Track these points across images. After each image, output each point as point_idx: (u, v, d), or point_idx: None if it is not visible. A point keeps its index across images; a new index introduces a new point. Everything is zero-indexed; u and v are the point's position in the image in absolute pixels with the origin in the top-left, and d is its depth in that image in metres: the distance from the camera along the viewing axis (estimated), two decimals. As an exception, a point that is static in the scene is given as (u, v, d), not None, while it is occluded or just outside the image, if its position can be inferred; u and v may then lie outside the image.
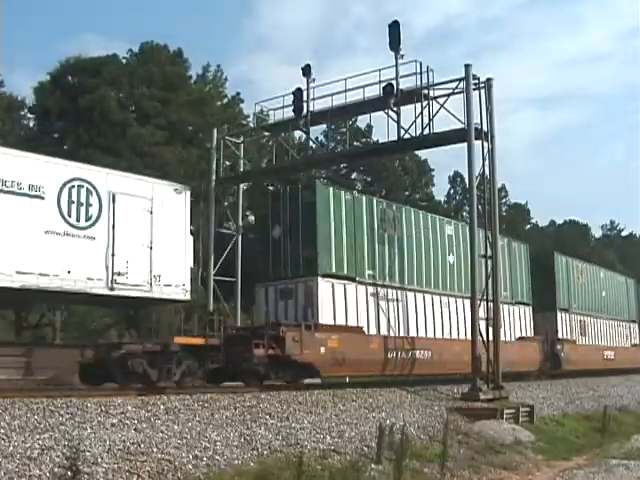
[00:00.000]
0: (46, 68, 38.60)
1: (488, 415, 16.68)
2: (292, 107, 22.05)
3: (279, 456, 10.83)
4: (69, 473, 8.36)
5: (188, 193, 17.06)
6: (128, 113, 36.28)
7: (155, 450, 9.84)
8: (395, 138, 20.39)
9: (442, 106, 19.77)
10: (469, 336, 18.80)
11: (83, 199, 15.03)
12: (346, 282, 19.28)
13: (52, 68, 37.32)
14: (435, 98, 19.88)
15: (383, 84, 20.20)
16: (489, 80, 19.62)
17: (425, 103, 19.79)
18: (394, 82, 20.14)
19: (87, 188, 15.15)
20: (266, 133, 26.48)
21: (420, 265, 21.83)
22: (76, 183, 15.02)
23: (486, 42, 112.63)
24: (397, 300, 20.74)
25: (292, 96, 21.98)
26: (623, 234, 79.59)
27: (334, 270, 19.05)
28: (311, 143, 25.65)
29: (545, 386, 23.34)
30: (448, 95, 19.80)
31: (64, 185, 14.80)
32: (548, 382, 24.47)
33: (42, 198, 14.44)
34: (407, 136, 20.13)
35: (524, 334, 26.32)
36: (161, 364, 14.84)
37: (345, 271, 19.33)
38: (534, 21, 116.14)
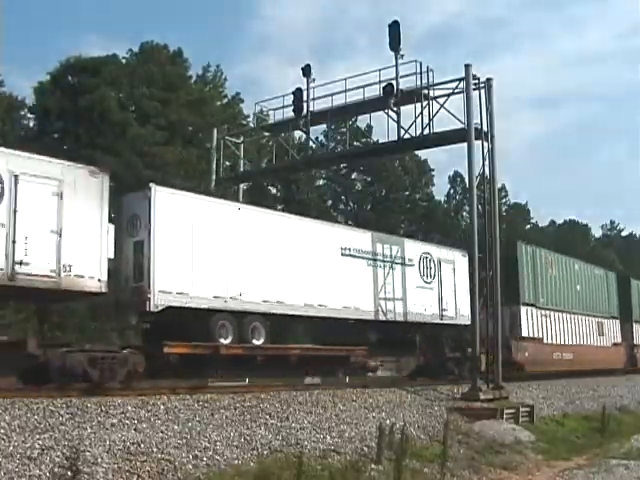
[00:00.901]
0: (46, 68, 38.62)
1: (488, 415, 16.69)
2: (292, 107, 22.08)
3: (279, 456, 10.84)
4: (69, 473, 8.36)
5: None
6: (128, 113, 36.23)
7: (155, 450, 9.84)
8: (395, 138, 20.43)
9: (442, 106, 19.80)
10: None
11: None
12: (529, 307, 26.56)
13: (52, 68, 37.34)
14: (435, 98, 19.91)
15: (383, 84, 20.25)
16: (489, 80, 19.64)
17: (425, 103, 19.82)
18: (394, 82, 20.18)
19: None
20: (266, 133, 26.51)
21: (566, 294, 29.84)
22: None
23: (486, 42, 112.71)
24: (557, 318, 28.58)
25: (292, 96, 22.00)
26: (623, 234, 79.61)
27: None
28: (311, 143, 25.71)
29: (545, 386, 23.34)
30: (448, 95, 19.83)
31: None
32: (548, 382, 24.48)
33: None
34: (407, 136, 20.17)
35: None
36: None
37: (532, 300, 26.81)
38: (534, 21, 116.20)
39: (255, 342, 17.02)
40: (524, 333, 25.88)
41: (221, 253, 16.54)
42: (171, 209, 15.73)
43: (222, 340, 16.29)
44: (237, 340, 16.65)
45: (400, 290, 21.21)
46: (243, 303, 16.76)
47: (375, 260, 20.62)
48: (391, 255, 21.22)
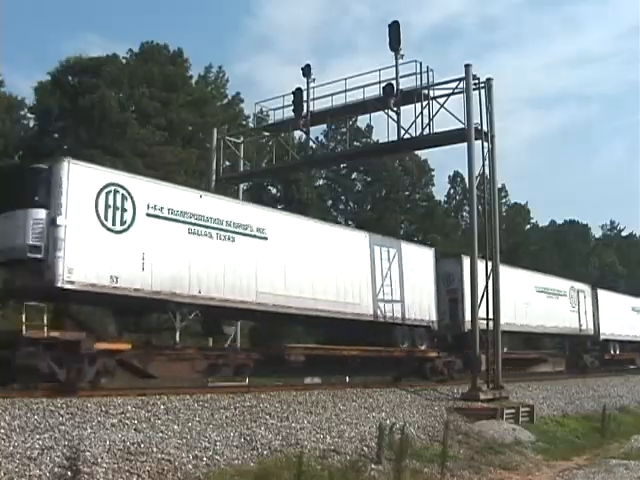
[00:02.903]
0: (46, 68, 38.63)
1: (488, 415, 16.69)
2: (292, 107, 22.07)
3: (279, 456, 10.84)
4: (69, 473, 8.36)
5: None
6: (128, 113, 36.22)
7: (155, 450, 9.84)
8: (395, 138, 20.42)
9: (442, 106, 19.80)
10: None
11: None
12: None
13: (52, 68, 37.35)
14: (435, 98, 19.91)
15: (383, 84, 20.24)
16: (489, 80, 19.64)
17: (425, 103, 19.82)
18: (394, 82, 20.17)
19: None
20: (266, 133, 26.47)
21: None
22: None
23: (486, 41, 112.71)
24: None
25: (292, 96, 21.99)
26: (623, 234, 79.55)
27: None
28: (311, 143, 25.69)
29: (545, 386, 23.34)
30: (448, 95, 19.83)
31: None
32: (548, 382, 24.47)
33: None
34: (407, 136, 20.16)
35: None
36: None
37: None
38: (534, 21, 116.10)
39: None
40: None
41: None
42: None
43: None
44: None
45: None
46: None
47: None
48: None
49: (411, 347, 21.18)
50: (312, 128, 23.64)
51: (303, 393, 15.52)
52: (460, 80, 19.39)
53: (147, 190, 14.65)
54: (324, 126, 41.79)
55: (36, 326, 12.41)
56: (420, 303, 21.32)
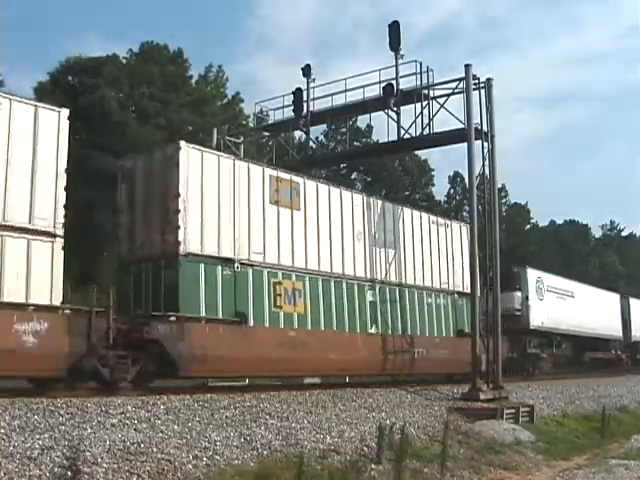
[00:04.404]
0: (46, 68, 38.64)
1: (488, 415, 16.68)
2: (292, 107, 22.08)
3: (279, 456, 10.82)
4: (69, 473, 8.35)
5: None
6: (128, 113, 36.25)
7: (155, 450, 9.82)
8: (395, 138, 20.45)
9: (442, 106, 19.82)
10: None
11: None
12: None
13: (52, 68, 37.35)
14: (435, 98, 19.93)
15: (383, 84, 20.28)
16: (489, 80, 19.65)
17: (425, 103, 19.85)
18: (394, 82, 20.19)
19: None
20: (266, 133, 26.50)
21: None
22: None
23: (486, 41, 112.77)
24: None
25: (292, 96, 22.01)
26: (623, 234, 79.58)
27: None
28: (311, 143, 25.72)
29: (545, 386, 23.34)
30: (448, 95, 19.85)
31: None
32: (548, 382, 24.47)
33: None
34: (407, 136, 20.18)
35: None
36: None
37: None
38: (534, 20, 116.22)
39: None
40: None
41: None
42: None
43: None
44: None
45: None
46: None
47: None
48: None
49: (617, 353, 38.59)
50: (312, 128, 23.73)
51: (303, 393, 15.52)
52: (460, 80, 19.40)
53: (546, 277, 31.19)
54: (324, 126, 41.96)
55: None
56: (617, 326, 38.37)
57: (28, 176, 12.76)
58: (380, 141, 25.84)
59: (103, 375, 13.16)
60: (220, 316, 15.37)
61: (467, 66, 19.31)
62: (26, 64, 63.34)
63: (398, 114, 20.34)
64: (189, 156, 15.34)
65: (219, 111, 40.44)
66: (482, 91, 19.54)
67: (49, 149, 13.11)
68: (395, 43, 20.17)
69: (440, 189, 58.19)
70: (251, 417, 12.55)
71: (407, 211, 21.12)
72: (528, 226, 66.24)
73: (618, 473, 13.28)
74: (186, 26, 79.41)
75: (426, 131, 19.88)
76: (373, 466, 11.38)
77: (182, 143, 15.42)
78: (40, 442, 9.16)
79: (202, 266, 15.16)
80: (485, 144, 19.46)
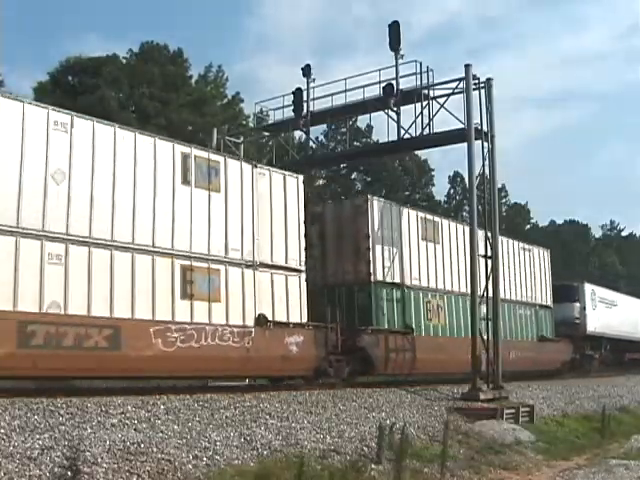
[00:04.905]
0: (46, 68, 38.64)
1: (488, 415, 16.68)
2: (292, 107, 22.08)
3: (279, 456, 10.83)
4: (69, 473, 8.36)
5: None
6: (128, 113, 36.23)
7: (155, 450, 9.83)
8: (395, 138, 20.44)
9: (442, 106, 19.81)
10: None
11: None
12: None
13: (52, 68, 37.34)
14: (435, 98, 19.92)
15: (383, 84, 20.26)
16: (489, 80, 19.64)
17: (425, 103, 19.83)
18: (394, 82, 20.18)
19: None
20: (266, 133, 26.50)
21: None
22: None
23: (486, 41, 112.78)
24: None
25: (292, 96, 22.00)
26: (623, 234, 79.57)
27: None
28: (311, 143, 25.72)
29: (545, 386, 23.34)
30: (448, 95, 19.84)
31: None
32: (548, 382, 24.48)
33: None
34: (407, 136, 20.17)
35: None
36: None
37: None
38: (534, 20, 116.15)
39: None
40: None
41: None
42: None
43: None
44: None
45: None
46: None
47: None
48: None
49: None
50: (312, 128, 23.70)
51: (303, 393, 15.53)
52: (460, 80, 19.39)
53: (598, 290, 34.80)
54: (324, 126, 41.89)
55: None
56: None
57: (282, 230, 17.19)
58: (380, 141, 25.85)
59: (330, 373, 17.69)
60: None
61: (467, 66, 19.31)
62: (26, 64, 63.35)
63: (398, 114, 20.34)
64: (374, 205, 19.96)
65: (219, 111, 40.44)
66: (482, 91, 19.53)
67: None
68: (395, 43, 20.16)
69: (440, 189, 58.24)
70: (251, 417, 12.56)
71: (503, 239, 24.33)
72: (528, 226, 66.17)
73: (618, 473, 13.28)
74: (186, 26, 79.38)
75: (426, 131, 19.87)
76: (373, 466, 11.38)
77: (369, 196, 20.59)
78: (40, 442, 9.17)
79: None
80: (485, 144, 19.46)
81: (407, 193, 53.09)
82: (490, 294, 19.36)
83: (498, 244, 20.03)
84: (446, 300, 21.96)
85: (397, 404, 16.33)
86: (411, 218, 21.17)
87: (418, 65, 19.98)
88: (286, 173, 17.90)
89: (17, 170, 12.49)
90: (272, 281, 16.60)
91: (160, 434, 10.54)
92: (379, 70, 20.44)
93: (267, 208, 16.91)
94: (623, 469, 13.62)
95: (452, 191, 59.53)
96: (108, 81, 36.07)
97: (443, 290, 21.88)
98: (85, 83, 35.71)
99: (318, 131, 45.50)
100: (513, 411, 17.57)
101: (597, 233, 77.57)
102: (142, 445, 9.86)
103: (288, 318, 16.75)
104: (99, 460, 9.00)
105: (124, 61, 39.30)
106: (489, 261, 19.37)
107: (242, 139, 25.68)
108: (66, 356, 12.42)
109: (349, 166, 47.80)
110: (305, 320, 17.21)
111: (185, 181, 15.20)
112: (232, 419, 12.22)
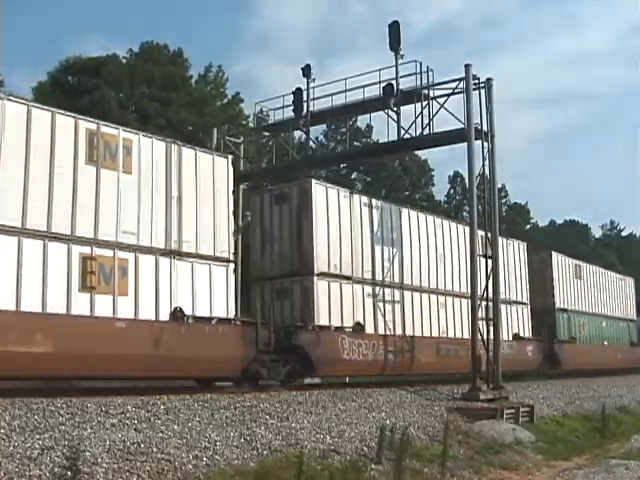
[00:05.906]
0: (46, 68, 38.63)
1: (488, 415, 16.68)
2: (292, 107, 22.07)
3: (279, 456, 10.83)
4: (69, 473, 8.35)
5: None
6: (128, 113, 36.21)
7: (155, 450, 9.83)
8: (395, 138, 20.42)
9: (442, 106, 19.79)
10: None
11: None
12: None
13: (52, 68, 37.34)
14: (435, 98, 19.90)
15: (383, 84, 20.23)
16: (489, 80, 19.63)
17: (425, 103, 19.81)
18: (394, 82, 20.17)
19: None
20: (266, 133, 26.48)
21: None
22: None
23: (486, 41, 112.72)
24: None
25: (292, 96, 22.00)
26: (623, 234, 79.54)
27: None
28: (311, 143, 25.69)
29: (545, 386, 23.34)
30: (448, 95, 19.82)
31: None
32: (548, 382, 24.48)
33: None
34: (407, 136, 20.15)
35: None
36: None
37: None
38: (534, 20, 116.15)
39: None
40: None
41: None
42: None
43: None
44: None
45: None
46: None
47: None
48: None
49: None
50: (312, 128, 23.66)
51: (303, 393, 15.53)
52: (460, 80, 19.38)
53: None
54: (324, 126, 41.88)
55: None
56: None
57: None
58: (380, 141, 25.82)
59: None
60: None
61: (467, 66, 19.31)
62: (26, 64, 63.34)
63: (398, 114, 20.32)
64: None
65: (219, 111, 40.40)
66: (482, 91, 19.53)
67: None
68: (395, 43, 20.15)
69: (440, 189, 58.19)
70: (251, 417, 12.56)
71: (599, 269, 31.94)
72: (528, 226, 66.12)
73: (618, 473, 13.29)
74: (186, 26, 79.35)
75: (426, 131, 19.86)
76: (373, 466, 11.38)
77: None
78: (40, 442, 9.17)
79: None
80: (485, 144, 19.46)
81: (407, 193, 53.05)
82: (490, 294, 19.34)
83: (498, 244, 19.99)
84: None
85: (397, 404, 16.33)
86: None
87: (418, 65, 19.99)
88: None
89: None
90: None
91: (160, 434, 10.54)
92: (379, 70, 20.44)
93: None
94: (623, 469, 13.62)
95: (452, 191, 59.48)
96: (108, 81, 36.04)
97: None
98: (85, 83, 35.69)
99: (318, 131, 45.51)
100: (513, 411, 17.58)
101: (597, 233, 77.64)
102: (142, 445, 9.86)
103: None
104: (99, 460, 9.01)
105: (124, 61, 39.27)
106: (489, 261, 19.37)
107: (242, 139, 25.66)
108: None
109: (349, 166, 47.74)
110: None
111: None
112: (232, 419, 12.23)
